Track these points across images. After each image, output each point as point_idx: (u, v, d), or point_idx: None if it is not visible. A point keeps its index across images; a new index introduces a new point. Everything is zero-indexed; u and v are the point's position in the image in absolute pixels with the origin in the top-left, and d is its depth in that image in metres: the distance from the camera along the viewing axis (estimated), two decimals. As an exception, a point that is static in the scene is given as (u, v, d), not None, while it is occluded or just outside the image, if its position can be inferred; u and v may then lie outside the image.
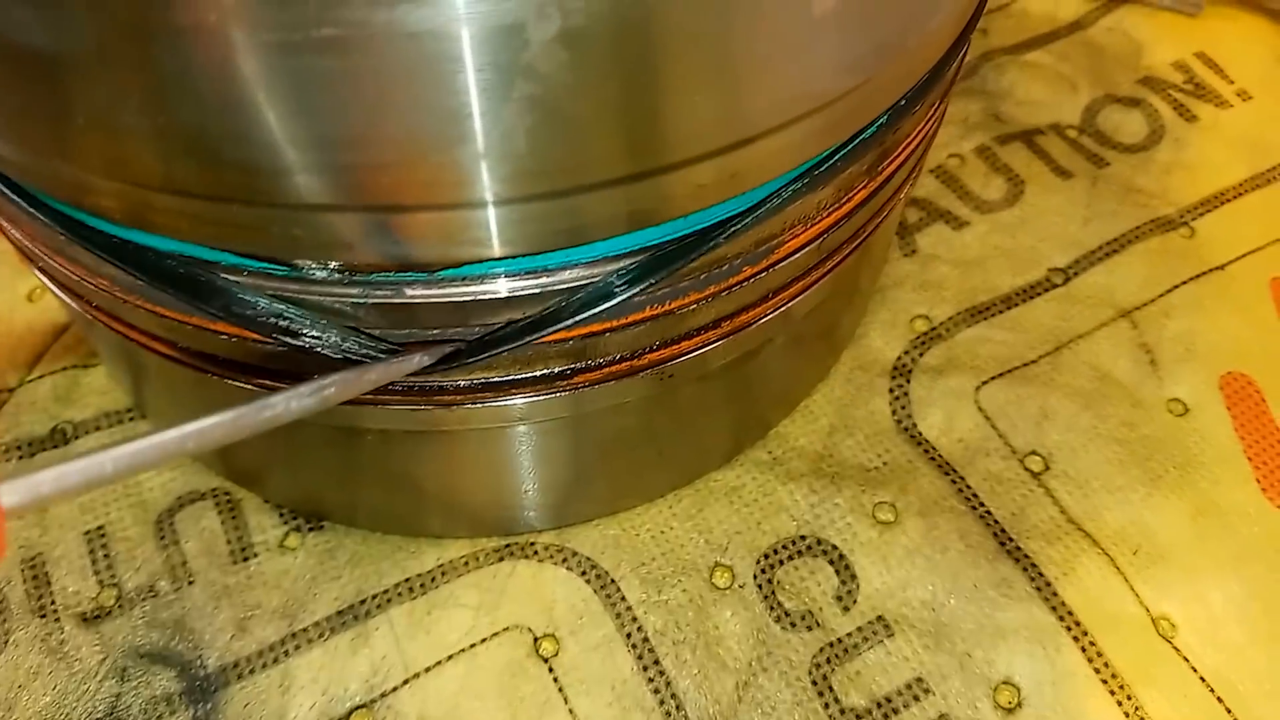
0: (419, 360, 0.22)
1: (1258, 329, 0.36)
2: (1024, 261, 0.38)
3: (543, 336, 0.22)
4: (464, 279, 0.21)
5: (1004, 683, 0.29)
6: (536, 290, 0.21)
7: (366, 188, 0.19)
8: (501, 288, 0.21)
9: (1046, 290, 0.37)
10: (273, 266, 0.21)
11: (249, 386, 0.24)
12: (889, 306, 0.37)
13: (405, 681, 0.29)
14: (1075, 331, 0.36)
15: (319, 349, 0.22)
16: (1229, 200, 0.40)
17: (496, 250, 0.20)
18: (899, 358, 0.35)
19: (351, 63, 0.16)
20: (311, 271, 0.20)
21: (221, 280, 0.21)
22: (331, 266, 0.20)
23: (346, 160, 0.18)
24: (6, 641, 0.29)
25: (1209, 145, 0.41)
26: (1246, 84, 0.43)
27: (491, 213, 0.19)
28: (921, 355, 0.35)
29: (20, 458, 0.33)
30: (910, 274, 0.37)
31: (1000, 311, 0.37)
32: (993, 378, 0.35)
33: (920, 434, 0.34)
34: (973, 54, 0.44)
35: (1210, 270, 0.38)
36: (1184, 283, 0.37)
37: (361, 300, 0.21)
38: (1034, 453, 0.33)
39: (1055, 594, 0.30)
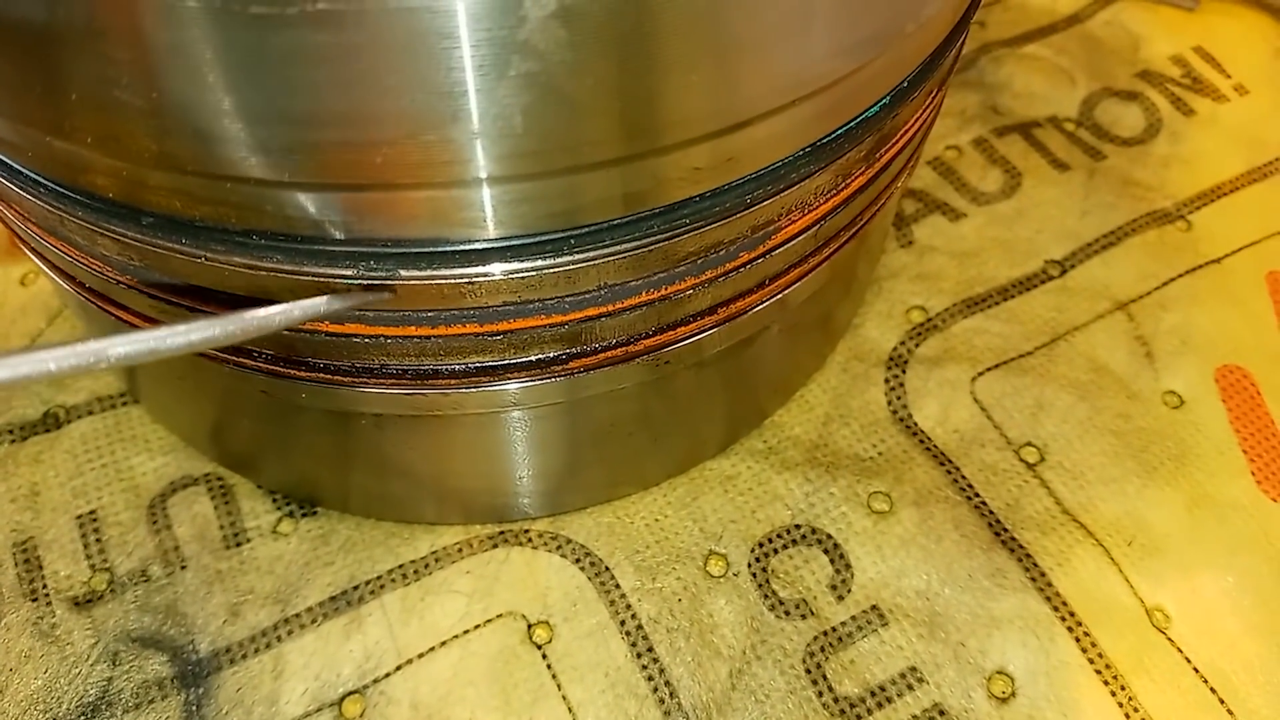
0: (328, 303, 0.21)
1: (1254, 322, 0.36)
2: (1021, 253, 0.38)
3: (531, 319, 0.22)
4: (457, 259, 0.21)
5: (998, 672, 0.29)
6: (531, 272, 0.21)
7: (361, 166, 0.18)
8: (495, 270, 0.21)
9: (1043, 282, 0.37)
10: (266, 245, 0.21)
11: (240, 368, 0.24)
12: (885, 297, 0.37)
13: (398, 667, 0.29)
14: (1071, 323, 0.36)
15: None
16: (1226, 194, 0.40)
17: (491, 231, 0.20)
18: (895, 348, 0.35)
19: (346, 38, 0.16)
20: (306, 249, 0.20)
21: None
22: (326, 246, 0.20)
23: (341, 138, 0.18)
24: (-3, 625, 0.29)
25: (1206, 139, 0.41)
26: (1244, 78, 0.43)
27: (485, 192, 0.19)
28: (918, 346, 0.35)
29: (12, 441, 0.32)
30: (907, 265, 0.37)
31: (997, 303, 0.37)
32: (989, 369, 0.35)
33: (916, 424, 0.34)
34: (971, 46, 0.44)
35: (1207, 264, 0.38)
36: (1180, 276, 0.37)
37: (356, 281, 0.21)
38: (1029, 444, 0.33)
39: (1050, 584, 0.30)
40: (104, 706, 0.28)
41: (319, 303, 0.20)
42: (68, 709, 0.28)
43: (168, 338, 0.18)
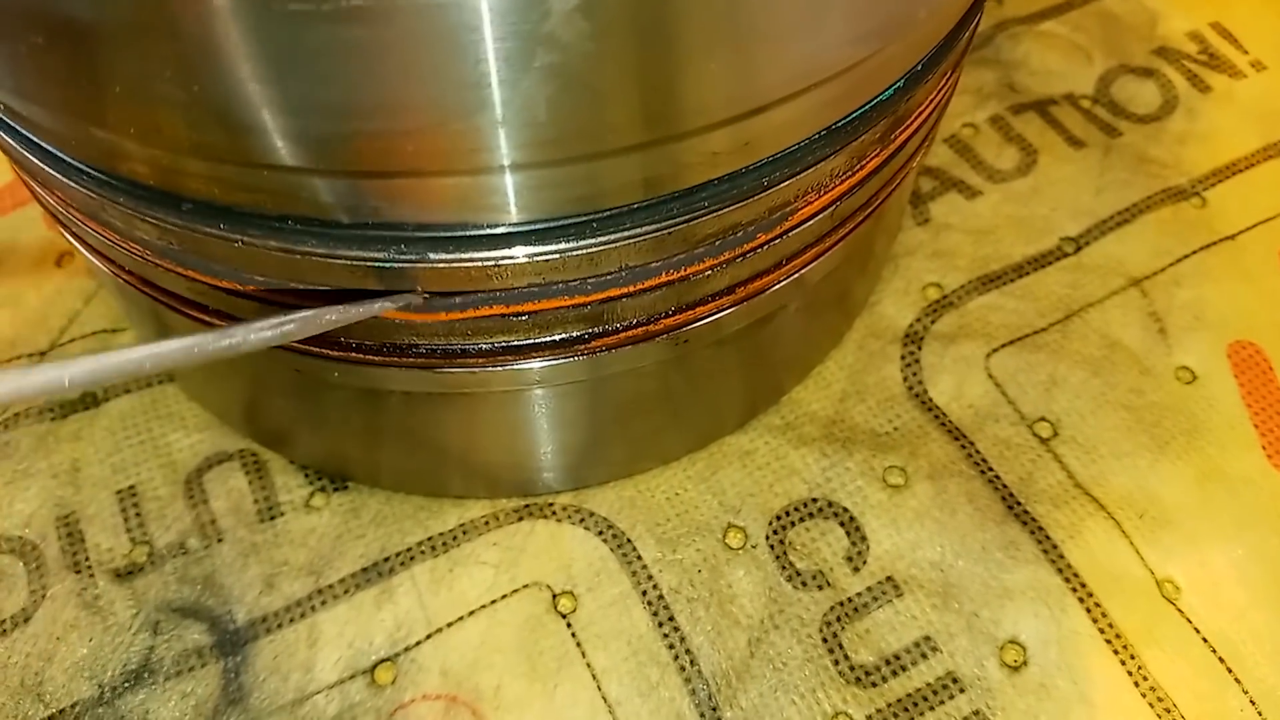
0: (380, 305, 0.22)
1: (1266, 298, 0.37)
2: (1036, 230, 0.38)
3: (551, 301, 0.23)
4: (483, 243, 0.22)
5: (1010, 642, 0.30)
6: (554, 255, 0.22)
7: (391, 154, 0.19)
8: (519, 253, 0.22)
9: (1058, 259, 0.38)
10: (300, 229, 0.21)
11: (273, 347, 0.25)
12: (902, 274, 0.37)
13: (428, 636, 0.30)
14: (1086, 300, 0.36)
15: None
16: (1241, 171, 0.40)
17: (515, 215, 0.21)
18: (911, 325, 0.36)
19: (377, 32, 0.17)
20: (338, 234, 0.21)
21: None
22: (356, 231, 0.21)
23: (372, 128, 0.19)
24: (44, 596, 0.30)
25: (1222, 116, 0.42)
26: (1260, 54, 0.43)
27: (510, 178, 0.20)
28: (933, 323, 0.36)
29: (53, 419, 0.33)
30: (923, 242, 0.38)
31: (1012, 280, 0.37)
32: (1003, 345, 0.35)
33: (931, 400, 0.34)
34: (987, 23, 0.44)
35: (1221, 240, 0.38)
36: (1194, 252, 0.38)
37: (386, 264, 0.22)
38: (1043, 419, 0.34)
39: (1062, 556, 0.31)
40: (146, 674, 0.29)
41: (374, 306, 0.22)
42: (112, 675, 0.29)
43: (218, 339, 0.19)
